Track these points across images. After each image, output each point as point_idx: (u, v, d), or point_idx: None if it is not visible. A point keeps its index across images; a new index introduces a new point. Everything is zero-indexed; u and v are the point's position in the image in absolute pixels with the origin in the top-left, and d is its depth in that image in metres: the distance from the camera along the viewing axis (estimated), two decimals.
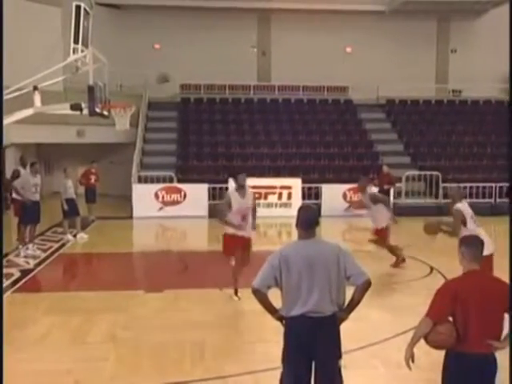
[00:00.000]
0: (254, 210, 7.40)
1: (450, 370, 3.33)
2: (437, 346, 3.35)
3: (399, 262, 9.26)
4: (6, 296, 7.39)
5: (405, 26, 22.89)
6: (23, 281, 8.52)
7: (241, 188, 7.22)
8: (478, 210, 18.09)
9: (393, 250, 9.37)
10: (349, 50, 23.37)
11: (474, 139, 20.13)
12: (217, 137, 19.63)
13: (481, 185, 16.73)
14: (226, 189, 16.05)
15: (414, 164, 18.52)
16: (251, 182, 15.87)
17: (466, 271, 3.37)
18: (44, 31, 16.05)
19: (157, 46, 22.53)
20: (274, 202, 15.77)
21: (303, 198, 16.15)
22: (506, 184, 16.78)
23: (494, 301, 3.25)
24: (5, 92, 7.68)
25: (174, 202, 15.73)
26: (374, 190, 15.10)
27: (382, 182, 14.86)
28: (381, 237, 9.27)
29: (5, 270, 8.87)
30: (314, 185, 16.29)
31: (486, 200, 16.68)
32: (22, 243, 10.53)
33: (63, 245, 11.55)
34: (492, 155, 19.30)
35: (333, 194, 15.95)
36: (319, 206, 15.82)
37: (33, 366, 5.16)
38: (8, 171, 16.08)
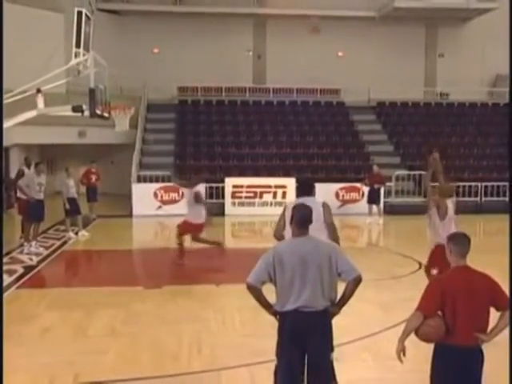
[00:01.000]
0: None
1: (438, 362, 3.39)
2: (426, 339, 3.40)
3: (215, 244, 9.68)
4: (10, 291, 7.58)
5: (395, 31, 23.20)
6: (27, 277, 8.57)
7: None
8: (465, 209, 18.78)
9: (206, 241, 9.64)
10: (341, 54, 23.62)
11: (461, 140, 20.44)
12: (213, 137, 19.77)
13: (467, 184, 17.02)
14: (223, 188, 16.54)
15: (404, 164, 18.75)
16: (247, 181, 16.43)
17: (454, 267, 3.43)
18: (47, 36, 16.21)
19: (155, 50, 22.74)
20: (269, 201, 15.95)
21: (297, 196, 16.46)
22: (492, 183, 17.28)
23: (480, 295, 3.31)
24: (9, 95, 7.83)
25: (173, 201, 15.79)
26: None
27: (373, 181, 15.01)
28: (195, 231, 9.32)
29: (9, 267, 9.03)
30: None
31: (472, 199, 17.03)
32: (26, 241, 10.64)
33: (65, 242, 11.60)
34: (478, 155, 19.60)
35: (325, 193, 15.61)
36: None
37: (35, 359, 5.19)
38: (12, 171, 16.42)
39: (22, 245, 10.73)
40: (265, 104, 22.24)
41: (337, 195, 16.39)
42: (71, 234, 12.10)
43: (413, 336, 3.38)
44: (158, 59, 22.19)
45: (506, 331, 3.42)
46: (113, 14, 22.25)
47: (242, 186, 16.25)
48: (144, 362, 5.18)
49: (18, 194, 11.37)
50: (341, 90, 22.79)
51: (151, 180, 16.56)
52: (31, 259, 9.81)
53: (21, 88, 7.98)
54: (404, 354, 3.31)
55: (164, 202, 15.94)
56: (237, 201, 16.15)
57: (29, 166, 12.55)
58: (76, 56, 7.76)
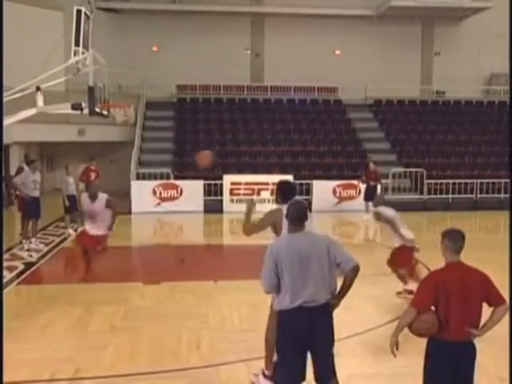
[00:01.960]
0: None
1: (431, 357, 3.42)
2: (420, 334, 3.43)
3: None
4: (10, 288, 7.63)
5: (391, 30, 23.31)
6: (27, 273, 8.60)
7: None
8: (461, 206, 18.91)
9: None
10: (338, 52, 23.69)
11: (457, 138, 20.57)
12: (212, 135, 19.85)
13: (463, 181, 17.20)
14: (221, 185, 16.63)
15: (400, 161, 18.91)
16: (245, 178, 16.54)
17: (448, 262, 3.44)
18: (46, 34, 15.90)
19: (154, 49, 22.77)
20: (267, 198, 15.71)
21: None
22: (487, 180, 17.44)
23: (473, 291, 3.33)
24: (9, 92, 7.72)
25: (171, 198, 15.91)
26: (362, 186, 15.66)
27: (369, 178, 15.12)
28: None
29: (9, 263, 9.05)
30: (305, 181, 16.57)
31: (468, 196, 17.21)
32: (25, 237, 10.70)
33: (65, 239, 11.62)
34: (473, 153, 19.74)
35: (323, 190, 16.28)
36: (310, 202, 16.25)
37: (35, 355, 5.20)
38: (12, 169, 16.50)
39: (21, 242, 10.80)
40: (263, 102, 22.33)
41: (334, 192, 16.55)
42: (71, 231, 12.16)
43: (408, 331, 3.42)
44: (156, 57, 22.22)
45: (501, 326, 3.46)
46: (112, 13, 22.24)
47: (240, 183, 16.37)
48: (143, 358, 5.21)
49: (18, 192, 11.36)
50: (338, 88, 22.86)
51: (150, 177, 16.62)
52: (31, 256, 9.85)
53: (20, 86, 7.92)
54: (397, 349, 3.36)
55: (163, 199, 16.02)
56: (235, 198, 16.25)
57: (28, 164, 12.43)
58: (75, 54, 7.67)
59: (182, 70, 21.57)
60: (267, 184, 16.16)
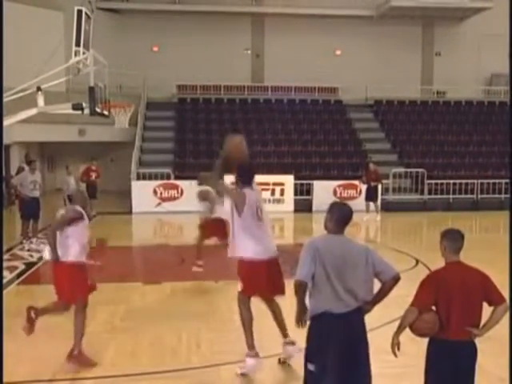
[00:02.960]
0: None
1: (432, 357, 3.43)
2: (421, 334, 3.45)
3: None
4: (11, 287, 7.65)
5: (392, 30, 23.30)
6: (27, 273, 8.60)
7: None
8: (461, 206, 18.91)
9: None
10: (338, 52, 23.70)
11: (457, 138, 20.58)
12: (212, 135, 19.82)
13: (463, 181, 17.23)
14: None
15: (401, 161, 18.94)
16: None
17: (448, 262, 3.46)
18: (47, 35, 16.02)
19: (155, 49, 22.80)
20: (268, 198, 15.87)
21: (295, 194, 16.46)
22: (488, 180, 17.49)
23: (473, 291, 3.34)
24: (9, 93, 7.80)
25: (172, 198, 15.92)
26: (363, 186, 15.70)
27: (369, 179, 15.14)
28: None
29: (10, 263, 9.04)
30: (305, 181, 16.65)
31: (469, 196, 17.27)
32: (25, 238, 10.75)
33: None
34: (474, 153, 19.74)
35: (323, 190, 16.23)
36: (310, 202, 16.39)
37: (35, 354, 5.19)
38: (13, 169, 16.56)
39: (21, 242, 10.81)
40: (263, 102, 22.34)
41: (335, 192, 16.56)
42: None
43: (409, 331, 3.43)
44: (157, 57, 22.22)
45: (500, 326, 3.46)
46: (112, 13, 22.29)
47: None
48: (143, 358, 5.21)
49: (18, 192, 11.41)
50: (338, 89, 22.88)
51: (150, 177, 16.66)
52: (32, 256, 9.85)
53: (21, 86, 8.01)
54: (398, 349, 3.37)
55: (163, 199, 16.04)
56: None
57: (29, 164, 12.62)
58: (76, 54, 7.77)
59: (182, 70, 21.60)
60: (268, 184, 16.20)
